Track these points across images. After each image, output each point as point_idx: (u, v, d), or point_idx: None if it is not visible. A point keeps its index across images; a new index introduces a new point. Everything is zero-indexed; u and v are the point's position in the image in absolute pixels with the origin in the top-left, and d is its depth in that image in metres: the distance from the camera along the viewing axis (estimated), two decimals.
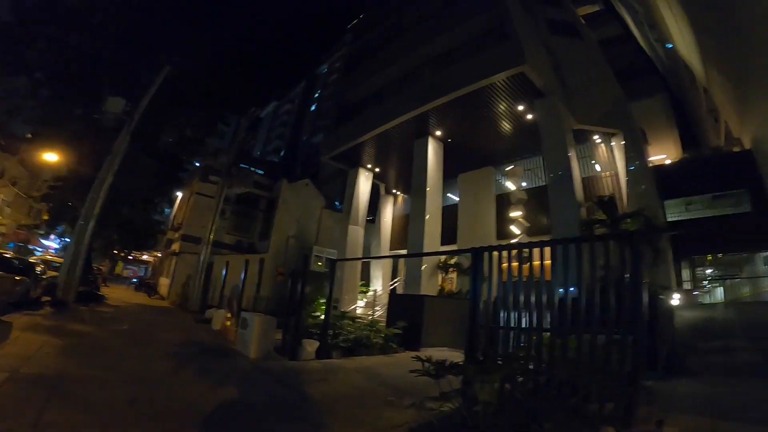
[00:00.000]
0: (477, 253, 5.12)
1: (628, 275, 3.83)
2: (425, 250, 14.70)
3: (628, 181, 13.76)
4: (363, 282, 20.51)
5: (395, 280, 21.80)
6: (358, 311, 17.61)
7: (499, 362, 3.78)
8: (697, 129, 21.93)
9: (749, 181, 12.97)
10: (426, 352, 4.98)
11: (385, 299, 19.59)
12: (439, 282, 16.23)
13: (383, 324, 11.03)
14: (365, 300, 19.38)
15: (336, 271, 10.65)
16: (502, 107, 14.36)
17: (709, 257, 14.57)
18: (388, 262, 22.68)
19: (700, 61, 15.83)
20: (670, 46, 20.77)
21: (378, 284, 21.68)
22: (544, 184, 16.18)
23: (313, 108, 41.49)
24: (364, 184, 20.27)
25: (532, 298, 4.61)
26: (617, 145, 14.55)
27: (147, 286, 26.47)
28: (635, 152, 13.89)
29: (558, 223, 11.54)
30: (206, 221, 19.31)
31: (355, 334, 9.33)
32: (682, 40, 16.68)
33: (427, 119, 15.70)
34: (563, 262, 4.31)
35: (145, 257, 44.05)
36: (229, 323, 11.28)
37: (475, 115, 15.07)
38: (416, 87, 16.30)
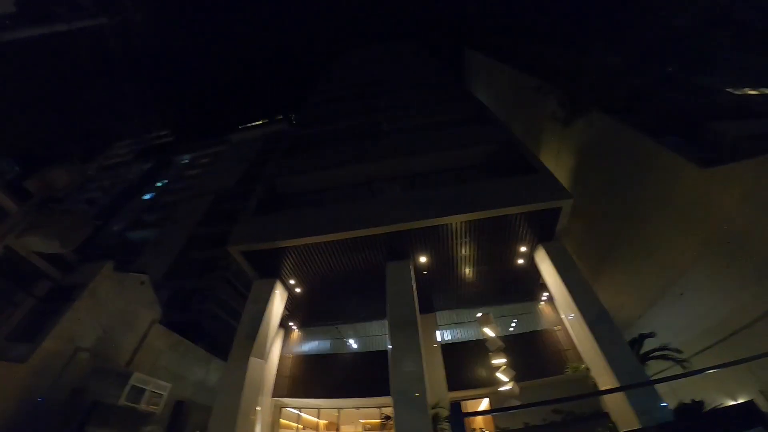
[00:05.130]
0: None
1: None
2: (429, 397, 10.32)
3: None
4: None
5: None
6: None
7: None
8: None
9: None
10: None
11: None
12: None
13: None
14: None
15: None
16: (494, 244, 13.64)
17: None
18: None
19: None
20: None
21: None
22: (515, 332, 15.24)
23: (147, 197, 30.97)
24: (278, 304, 14.06)
25: None
26: None
27: None
28: None
29: (614, 359, 10.02)
30: None
31: None
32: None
33: (407, 240, 13.23)
34: None
35: None
36: None
37: (455, 249, 13.75)
38: (400, 199, 14.37)
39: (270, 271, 14.07)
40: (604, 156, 17.14)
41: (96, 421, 11.89)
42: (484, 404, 15.01)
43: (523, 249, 13.54)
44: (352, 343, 16.90)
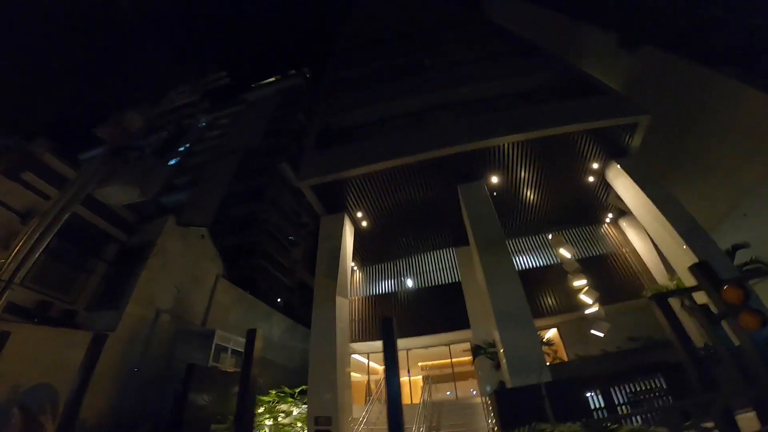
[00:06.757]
0: None
1: None
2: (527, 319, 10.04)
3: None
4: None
5: None
6: None
7: None
8: None
9: None
10: None
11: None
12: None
13: None
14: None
15: None
16: (561, 165, 13.45)
17: None
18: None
19: None
20: None
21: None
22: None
23: (173, 162, 30.26)
24: (349, 238, 13.89)
25: None
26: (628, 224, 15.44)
27: None
28: None
29: (720, 270, 9.98)
30: None
31: None
32: None
33: (473, 161, 12.97)
34: None
35: None
36: None
37: (519, 171, 13.60)
38: (460, 124, 13.92)
39: (337, 205, 13.95)
40: (656, 88, 16.85)
41: (196, 387, 10.60)
42: (551, 333, 15.12)
43: (595, 166, 13.26)
44: (411, 281, 16.75)
